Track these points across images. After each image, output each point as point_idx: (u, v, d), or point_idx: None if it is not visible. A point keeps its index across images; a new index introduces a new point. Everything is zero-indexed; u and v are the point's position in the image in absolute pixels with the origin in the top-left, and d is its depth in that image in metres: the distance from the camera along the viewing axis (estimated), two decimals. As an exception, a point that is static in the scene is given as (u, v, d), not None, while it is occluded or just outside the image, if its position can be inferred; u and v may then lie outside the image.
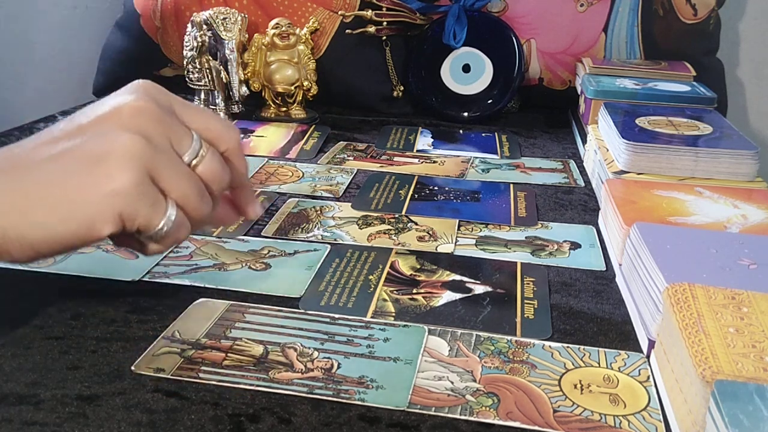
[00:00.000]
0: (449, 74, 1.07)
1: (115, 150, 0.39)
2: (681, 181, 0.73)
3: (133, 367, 0.47)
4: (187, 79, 1.00)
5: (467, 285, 0.59)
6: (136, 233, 0.41)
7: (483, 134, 1.01)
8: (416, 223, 0.70)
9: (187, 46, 0.98)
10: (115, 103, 0.42)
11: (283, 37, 1.00)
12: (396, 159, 0.89)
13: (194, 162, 0.43)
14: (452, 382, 0.47)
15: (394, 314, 0.54)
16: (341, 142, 0.95)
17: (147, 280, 0.58)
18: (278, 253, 0.63)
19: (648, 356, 0.51)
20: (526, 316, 0.55)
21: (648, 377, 0.48)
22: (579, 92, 1.03)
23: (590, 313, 0.56)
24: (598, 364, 0.50)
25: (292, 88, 1.01)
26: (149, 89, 0.44)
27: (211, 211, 0.45)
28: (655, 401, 0.46)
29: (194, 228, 0.44)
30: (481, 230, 0.70)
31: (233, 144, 0.47)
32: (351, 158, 0.89)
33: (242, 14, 1.02)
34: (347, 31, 1.06)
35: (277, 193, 0.77)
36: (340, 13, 1.06)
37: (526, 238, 0.69)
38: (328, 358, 0.49)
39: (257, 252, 0.63)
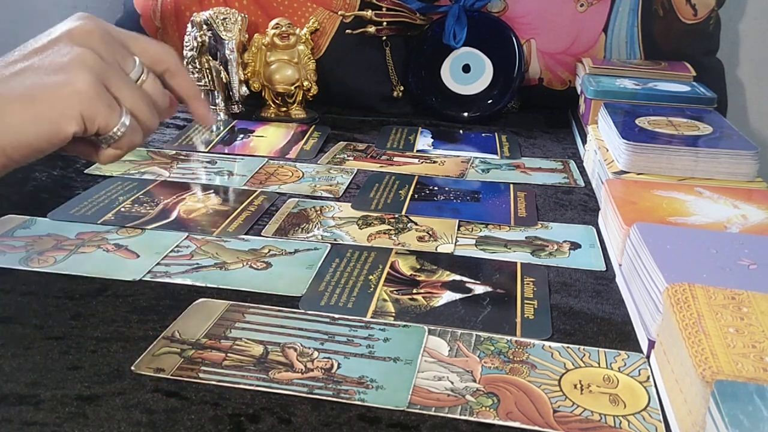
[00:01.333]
0: (449, 74, 1.07)
1: (72, 60, 0.45)
2: (681, 181, 0.73)
3: (133, 367, 0.47)
4: (187, 79, 1.00)
5: (467, 285, 0.59)
6: (95, 136, 0.47)
7: (483, 134, 1.01)
8: (416, 223, 0.70)
9: (187, 46, 0.99)
10: (64, 27, 0.48)
11: (283, 37, 1.00)
12: (396, 159, 0.89)
13: (138, 82, 0.49)
14: (452, 382, 0.47)
15: (394, 314, 0.54)
16: (341, 142, 0.95)
17: (147, 279, 0.58)
18: (279, 252, 0.63)
19: (648, 356, 0.51)
20: (526, 316, 0.55)
21: (648, 377, 0.48)
22: (579, 92, 1.03)
23: (590, 313, 0.56)
24: (598, 364, 0.50)
25: (292, 88, 1.01)
26: (92, 17, 0.49)
27: (157, 124, 0.51)
28: (655, 401, 0.46)
29: (144, 137, 0.50)
30: (481, 230, 0.70)
31: (171, 63, 0.52)
32: (351, 158, 0.89)
33: (242, 14, 1.02)
34: (347, 31, 1.06)
35: (277, 193, 0.77)
36: (340, 13, 1.06)
37: (526, 238, 0.69)
38: (328, 358, 0.49)
39: (258, 251, 0.63)
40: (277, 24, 1.00)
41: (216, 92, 1.00)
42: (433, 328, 0.53)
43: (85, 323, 0.51)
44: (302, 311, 0.54)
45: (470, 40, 1.05)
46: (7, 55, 0.47)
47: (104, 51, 0.47)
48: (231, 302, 0.55)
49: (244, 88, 1.00)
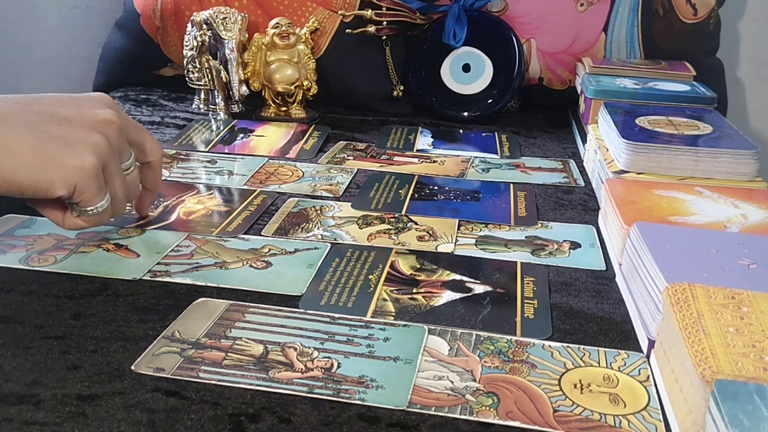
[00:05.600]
0: (449, 74, 1.07)
1: (88, 141, 0.54)
2: (681, 181, 0.73)
3: (133, 367, 0.47)
4: (187, 78, 1.00)
5: (467, 285, 0.59)
6: (74, 204, 0.55)
7: (483, 134, 1.01)
8: (416, 223, 0.70)
9: (187, 46, 0.99)
10: (95, 110, 0.56)
11: (283, 37, 1.00)
12: (396, 159, 0.89)
13: (126, 173, 0.59)
14: (452, 382, 0.47)
15: (394, 314, 0.54)
16: (341, 142, 0.95)
17: (147, 279, 0.58)
18: (279, 252, 0.63)
19: (648, 356, 0.51)
20: (526, 315, 0.55)
21: (648, 377, 0.48)
22: (579, 92, 1.03)
23: (590, 313, 0.56)
24: (598, 363, 0.50)
25: (292, 87, 1.01)
26: (117, 108, 0.59)
27: (123, 211, 0.61)
28: (655, 401, 0.46)
29: (110, 217, 0.59)
30: (481, 230, 0.70)
31: (156, 159, 0.64)
32: (351, 158, 0.89)
33: (242, 14, 1.02)
34: (347, 30, 1.06)
35: (277, 192, 0.77)
36: (340, 12, 1.06)
37: (526, 237, 0.69)
38: (328, 357, 0.49)
39: (258, 250, 0.63)
40: (277, 23, 1.00)
41: (216, 92, 1.00)
42: (433, 327, 0.53)
43: (85, 323, 0.51)
44: (302, 311, 0.54)
45: (470, 39, 1.05)
46: (44, 99, 0.56)
47: (114, 142, 0.56)
48: (231, 302, 0.55)
49: (244, 88, 1.00)
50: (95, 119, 0.56)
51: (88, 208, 0.55)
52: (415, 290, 0.58)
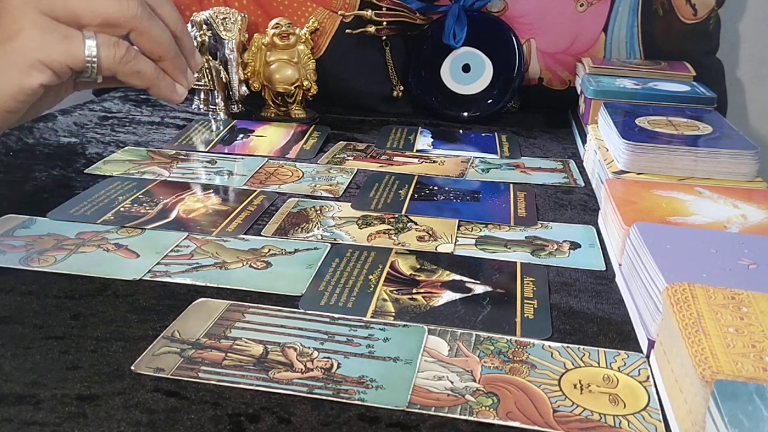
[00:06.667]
0: (449, 74, 1.07)
1: (7, 6, 0.40)
2: (681, 181, 0.73)
3: (133, 367, 0.47)
4: (187, 78, 1.00)
5: (467, 285, 0.59)
6: (80, 75, 0.42)
7: (483, 134, 1.01)
8: (416, 223, 0.70)
9: (187, 46, 0.98)
10: None
11: (283, 37, 1.00)
12: (396, 159, 0.89)
13: None
14: (452, 382, 0.47)
15: (393, 314, 0.54)
16: (341, 142, 0.95)
17: (147, 279, 0.58)
18: (279, 252, 0.63)
19: (648, 356, 0.51)
20: (525, 316, 0.55)
21: (648, 377, 0.48)
22: (579, 92, 1.03)
23: (590, 313, 0.56)
24: (598, 364, 0.50)
25: (292, 88, 1.01)
26: None
27: (152, 20, 0.42)
28: (655, 401, 0.46)
29: (155, 48, 0.43)
30: (480, 230, 0.70)
31: None
32: (351, 158, 0.89)
33: (242, 14, 1.02)
34: (347, 31, 1.06)
35: (277, 193, 0.77)
36: (340, 13, 1.06)
37: (525, 238, 0.69)
38: (328, 357, 0.49)
39: (258, 251, 0.63)
40: (277, 24, 1.00)
41: (216, 92, 1.00)
42: (433, 327, 0.53)
43: (85, 323, 0.51)
44: (302, 311, 0.54)
45: (470, 39, 1.05)
46: None
47: None
48: (231, 302, 0.55)
49: (244, 88, 1.00)
50: None
51: (85, 65, 0.42)
52: (415, 290, 0.58)
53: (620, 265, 0.61)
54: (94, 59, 0.42)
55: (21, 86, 0.41)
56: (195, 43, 0.97)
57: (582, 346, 0.51)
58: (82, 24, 0.41)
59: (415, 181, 0.81)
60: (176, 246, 0.63)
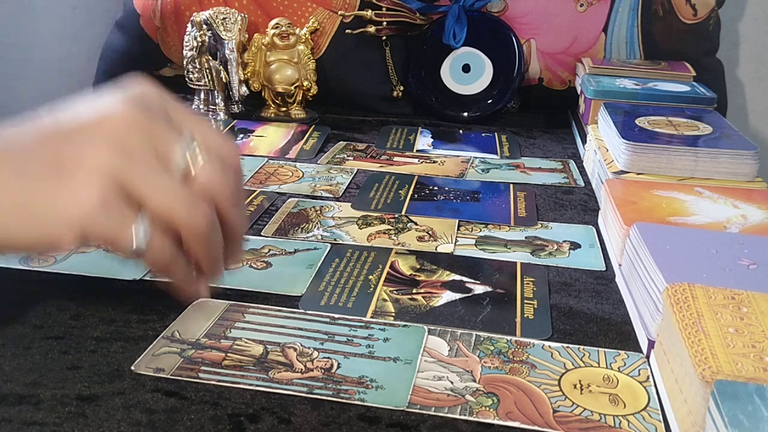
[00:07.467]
0: (449, 74, 1.07)
1: (86, 163, 0.38)
2: (681, 181, 0.73)
3: (132, 367, 0.47)
4: (186, 79, 1.00)
5: (467, 285, 0.59)
6: (109, 249, 0.39)
7: (483, 134, 1.01)
8: (416, 223, 0.70)
9: (186, 46, 0.98)
10: (101, 112, 0.40)
11: (283, 37, 1.00)
12: (396, 159, 0.89)
13: (189, 168, 0.40)
14: (452, 382, 0.47)
15: (393, 314, 0.54)
16: (341, 142, 0.95)
17: (147, 279, 0.58)
18: (279, 252, 0.63)
19: (648, 356, 0.51)
20: (525, 316, 0.55)
21: (648, 377, 0.48)
22: (579, 92, 1.03)
23: (590, 313, 0.56)
24: (598, 364, 0.50)
25: (292, 88, 1.01)
26: (145, 95, 0.42)
27: (214, 234, 0.40)
28: (655, 401, 0.46)
29: (201, 258, 0.40)
30: (480, 230, 0.70)
31: (233, 160, 0.42)
32: (351, 158, 0.89)
33: (242, 14, 1.02)
34: (347, 31, 1.06)
35: (277, 193, 0.77)
36: (340, 13, 1.06)
37: (525, 238, 0.69)
38: (328, 357, 0.49)
39: (258, 251, 0.63)
40: (277, 24, 1.00)
41: (216, 92, 1.00)
42: (433, 328, 0.53)
43: (85, 323, 0.51)
44: (302, 311, 0.54)
45: (470, 40, 1.05)
46: (36, 121, 0.40)
47: (137, 143, 0.39)
48: (231, 302, 0.55)
49: (243, 88, 1.00)
50: (101, 127, 0.39)
51: (123, 249, 0.39)
52: (414, 290, 0.58)
53: (620, 265, 0.61)
54: (142, 245, 0.39)
55: (53, 240, 0.39)
56: (196, 44, 0.96)
57: (582, 347, 0.51)
58: (145, 206, 0.39)
59: (415, 181, 0.81)
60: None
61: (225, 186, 0.41)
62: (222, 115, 1.00)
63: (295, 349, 0.49)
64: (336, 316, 0.54)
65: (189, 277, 0.44)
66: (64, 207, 0.38)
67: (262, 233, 0.67)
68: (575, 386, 0.47)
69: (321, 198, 0.76)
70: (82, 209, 0.38)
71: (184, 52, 0.99)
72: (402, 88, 1.10)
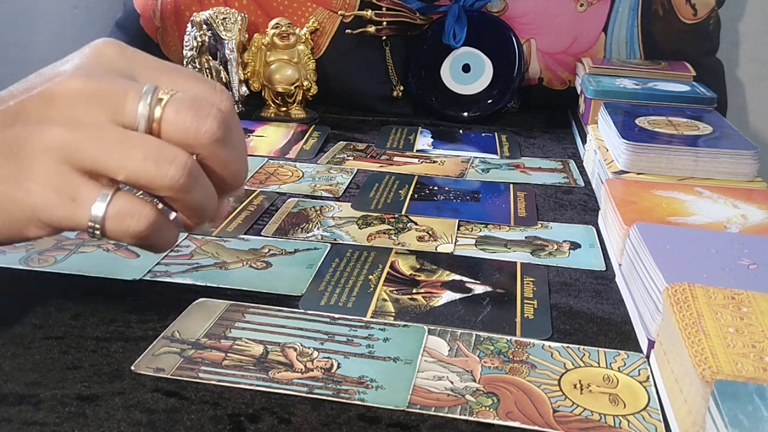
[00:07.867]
0: (449, 74, 1.07)
1: (34, 148, 0.36)
2: (681, 181, 0.73)
3: (132, 367, 0.47)
4: (187, 79, 1.00)
5: (467, 285, 0.59)
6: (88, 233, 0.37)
7: (483, 134, 1.01)
8: (416, 223, 0.70)
9: (186, 46, 0.98)
10: (45, 92, 0.37)
11: (283, 37, 1.00)
12: (396, 159, 0.89)
13: (153, 117, 0.36)
14: (452, 382, 0.47)
15: (393, 314, 0.54)
16: (341, 142, 0.95)
17: (147, 279, 0.58)
18: (279, 252, 0.63)
19: (648, 356, 0.51)
20: (525, 316, 0.55)
21: (648, 377, 0.48)
22: (579, 92, 1.03)
23: (590, 313, 0.56)
24: (598, 364, 0.50)
25: (292, 88, 1.01)
26: (100, 55, 0.39)
27: (194, 181, 0.37)
28: (655, 401, 0.46)
29: (187, 209, 0.38)
30: (480, 230, 0.70)
31: (213, 98, 0.39)
32: (351, 158, 0.89)
33: (242, 14, 1.02)
34: (347, 31, 1.06)
35: (277, 193, 0.77)
36: (340, 13, 1.06)
37: (525, 238, 0.69)
38: (328, 357, 0.49)
39: (258, 251, 0.63)
40: (277, 24, 1.00)
41: (216, 92, 1.00)
42: (433, 327, 0.53)
43: (85, 323, 0.51)
44: (302, 311, 0.54)
45: (470, 40, 1.05)
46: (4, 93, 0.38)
47: (87, 113, 0.36)
48: (231, 302, 0.55)
49: (244, 88, 1.00)
50: (48, 102, 0.37)
51: (88, 231, 0.37)
52: (415, 290, 0.58)
53: (620, 265, 0.61)
54: (97, 227, 0.36)
55: (19, 234, 0.37)
56: (196, 44, 0.96)
57: (582, 346, 0.51)
58: (108, 177, 0.36)
59: (415, 181, 0.81)
60: (176, 246, 0.63)
61: (197, 126, 0.37)
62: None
63: (295, 349, 0.49)
64: (336, 316, 0.54)
65: (173, 237, 0.40)
66: (19, 198, 0.36)
67: (262, 233, 0.67)
68: (575, 386, 0.47)
69: (321, 198, 0.76)
70: (36, 198, 0.36)
71: (184, 52, 0.99)
72: (402, 88, 1.10)
